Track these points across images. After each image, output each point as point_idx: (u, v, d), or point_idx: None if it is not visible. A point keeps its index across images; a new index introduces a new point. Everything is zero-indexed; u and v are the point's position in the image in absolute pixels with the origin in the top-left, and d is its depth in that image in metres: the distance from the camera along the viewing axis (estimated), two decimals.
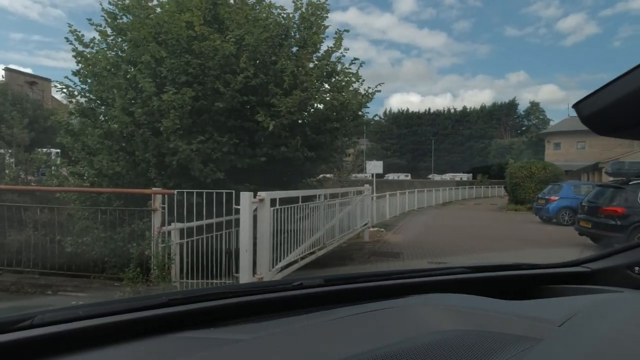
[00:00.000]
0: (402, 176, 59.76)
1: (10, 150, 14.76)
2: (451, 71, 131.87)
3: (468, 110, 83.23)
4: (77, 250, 6.40)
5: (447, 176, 60.20)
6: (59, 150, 15.75)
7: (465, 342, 0.78)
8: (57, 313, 0.88)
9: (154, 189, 5.38)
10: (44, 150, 14.26)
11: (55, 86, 7.29)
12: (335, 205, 8.47)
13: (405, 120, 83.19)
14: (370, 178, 18.47)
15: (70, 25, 7.20)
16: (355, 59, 7.50)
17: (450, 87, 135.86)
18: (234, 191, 5.33)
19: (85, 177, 6.79)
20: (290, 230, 6.15)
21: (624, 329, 0.83)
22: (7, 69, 53.16)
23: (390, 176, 54.04)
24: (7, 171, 12.19)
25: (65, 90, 7.10)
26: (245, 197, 5.15)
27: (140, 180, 6.50)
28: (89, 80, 6.86)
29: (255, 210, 5.31)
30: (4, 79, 48.13)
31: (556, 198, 16.96)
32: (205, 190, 5.41)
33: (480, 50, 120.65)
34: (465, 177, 56.26)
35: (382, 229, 14.63)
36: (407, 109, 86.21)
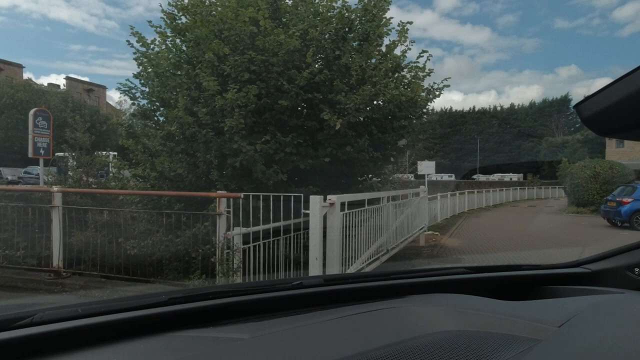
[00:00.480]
0: (445, 177, 57.68)
1: (72, 154, 15.34)
2: (496, 67, 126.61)
3: (516, 107, 79.34)
4: (139, 252, 6.34)
5: (496, 176, 57.47)
6: (115, 153, 16.30)
7: (464, 343, 0.77)
8: (57, 311, 0.87)
9: (218, 192, 5.13)
10: (104, 153, 14.74)
11: (119, 88, 7.33)
12: (396, 208, 8.00)
13: (448, 119, 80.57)
14: (412, 179, 17.65)
15: (132, 28, 7.21)
16: (424, 51, 6.94)
17: (495, 84, 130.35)
18: (302, 194, 5.00)
19: (146, 179, 6.71)
20: (356, 236, 5.75)
21: (624, 330, 0.81)
22: (67, 78, 57.17)
23: (433, 177, 52.31)
24: (70, 173, 12.65)
25: (128, 92, 7.09)
26: (316, 201, 4.79)
27: (200, 182, 6.32)
28: (150, 82, 6.79)
29: (324, 214, 4.95)
30: (65, 87, 51.69)
31: (629, 200, 15.46)
32: (272, 194, 5.10)
33: (527, 45, 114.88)
34: (515, 177, 53.49)
35: (437, 233, 13.94)
36: (450, 108, 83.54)
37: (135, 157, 7.19)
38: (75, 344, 0.81)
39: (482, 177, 57.15)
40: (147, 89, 6.94)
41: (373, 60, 6.72)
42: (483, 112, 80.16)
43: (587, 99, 0.76)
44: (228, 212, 4.97)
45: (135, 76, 7.34)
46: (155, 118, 6.77)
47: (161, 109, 6.96)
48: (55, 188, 5.30)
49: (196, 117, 5.76)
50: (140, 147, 7.01)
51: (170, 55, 6.38)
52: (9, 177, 26.96)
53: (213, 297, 1.03)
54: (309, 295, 1.15)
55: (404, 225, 8.93)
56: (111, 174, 12.64)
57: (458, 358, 0.72)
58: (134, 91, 7.13)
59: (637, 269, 1.31)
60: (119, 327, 0.88)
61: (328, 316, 0.99)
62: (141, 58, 7.14)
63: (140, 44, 7.11)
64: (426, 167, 17.89)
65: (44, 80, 47.64)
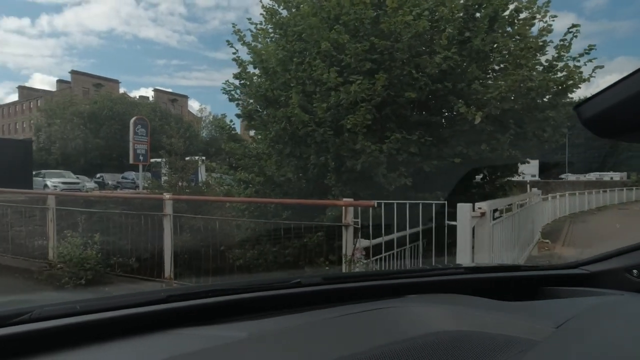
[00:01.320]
0: (527, 176, 52.54)
1: (164, 160, 15.92)
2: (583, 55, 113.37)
3: None
4: (244, 263, 5.96)
5: (592, 176, 51.22)
6: (204, 157, 16.76)
7: (462, 343, 0.77)
8: (55, 308, 0.87)
9: (345, 199, 4.45)
10: (195, 157, 15.16)
11: (224, 88, 7.04)
12: (524, 214, 6.83)
13: None
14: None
15: (234, 25, 6.93)
16: (574, 25, 5.66)
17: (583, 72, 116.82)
18: (446, 202, 4.16)
19: (251, 184, 6.31)
20: (499, 249, 4.79)
21: (622, 331, 0.80)
22: (155, 90, 62.26)
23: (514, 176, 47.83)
24: (164, 178, 13.00)
25: (233, 92, 6.77)
26: (464, 210, 3.91)
27: (309, 187, 5.73)
28: (256, 80, 6.39)
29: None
30: (153, 99, 56.26)
31: None
32: (408, 202, 4.32)
33: (620, 28, 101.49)
34: (617, 176, 47.16)
35: (547, 240, 12.23)
36: None
37: (238, 161, 6.84)
38: (73, 340, 0.80)
39: (571, 177, 51.21)
40: (246, 90, 6.56)
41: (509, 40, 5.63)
42: (571, 104, 72.36)
43: (586, 100, 0.75)
44: (356, 222, 4.31)
45: (236, 77, 7.05)
46: (261, 119, 6.31)
47: (264, 111, 6.50)
48: (167, 195, 5.05)
49: (312, 114, 5.17)
50: (241, 150, 6.64)
51: (278, 51, 5.87)
52: (110, 182, 29.47)
53: (211, 295, 1.03)
54: (308, 294, 1.15)
55: (527, 233, 7.70)
56: (204, 179, 12.78)
57: (455, 358, 0.71)
58: (242, 90, 6.79)
59: (635, 271, 1.29)
60: (117, 324, 0.86)
61: (326, 315, 0.98)
62: (240, 59, 6.81)
63: (242, 42, 6.77)
64: (530, 167, 15.94)
65: (135, 93, 53.17)
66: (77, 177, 25.53)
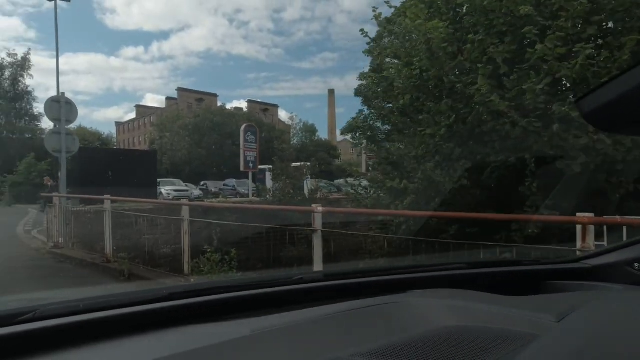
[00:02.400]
0: None
1: (268, 167, 15.68)
2: None
3: None
4: None
5: None
6: (308, 163, 16.33)
7: (463, 338, 0.77)
8: (58, 306, 0.88)
9: (583, 215, 3.08)
10: (300, 164, 14.75)
11: (358, 90, 6.18)
12: None
13: None
14: None
15: (374, 9, 6.06)
16: None
17: None
18: None
19: (404, 193, 5.25)
20: None
21: (623, 325, 0.79)
22: (248, 101, 65.61)
23: None
24: (271, 184, 12.58)
25: (377, 90, 5.83)
26: None
27: (483, 196, 4.47)
28: (403, 70, 5.36)
29: None
30: (247, 109, 59.31)
31: None
32: None
33: None
34: None
35: None
36: None
37: (377, 166, 5.85)
38: (77, 339, 0.80)
39: None
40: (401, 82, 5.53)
41: None
42: None
43: (587, 94, 0.75)
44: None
45: (374, 70, 6.13)
46: (417, 113, 5.22)
47: (425, 104, 5.34)
48: (319, 208, 4.22)
49: (510, 100, 3.92)
50: (385, 154, 5.62)
51: (441, 28, 4.74)
52: (213, 189, 31.00)
53: (214, 292, 1.03)
54: (311, 290, 1.15)
55: None
56: (309, 186, 12.11)
57: (457, 353, 0.71)
58: (371, 91, 5.86)
59: (637, 264, 1.28)
60: (120, 322, 0.87)
61: (329, 311, 0.98)
62: (376, 48, 5.84)
63: (382, 27, 5.79)
64: None
65: (230, 106, 57.15)
66: (186, 185, 27.15)
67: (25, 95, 35.44)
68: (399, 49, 5.65)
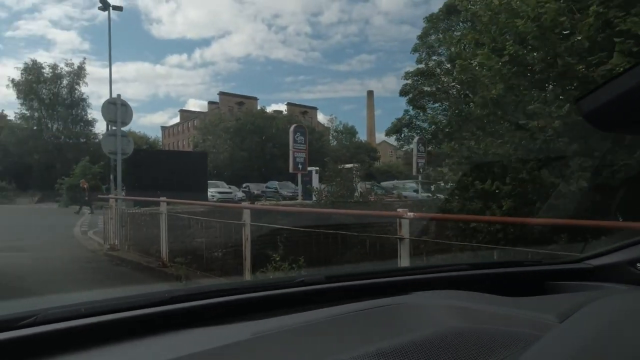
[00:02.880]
0: None
1: (315, 168, 15.21)
2: None
3: None
4: None
5: None
6: (358, 164, 15.77)
7: (467, 339, 0.77)
8: (60, 310, 0.88)
9: None
10: (349, 165, 14.23)
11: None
12: None
13: None
14: None
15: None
16: None
17: None
18: None
19: (494, 195, 4.55)
20: None
21: (626, 325, 0.78)
22: (288, 104, 66.04)
23: None
24: (318, 186, 12.10)
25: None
26: None
27: (606, 200, 3.70)
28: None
29: None
30: (286, 112, 59.66)
31: None
32: None
33: None
34: None
35: None
36: None
37: (457, 165, 5.18)
38: (79, 343, 0.81)
39: None
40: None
41: None
42: None
43: (587, 94, 0.76)
44: None
45: (452, 57, 5.45)
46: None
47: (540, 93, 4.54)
48: (410, 214, 3.62)
49: None
50: (466, 152, 4.94)
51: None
52: (255, 192, 31.10)
53: (215, 296, 1.03)
54: (312, 292, 1.14)
55: None
56: (358, 189, 11.52)
57: (460, 355, 0.71)
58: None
59: (639, 264, 1.26)
60: (121, 326, 0.88)
61: (331, 313, 0.98)
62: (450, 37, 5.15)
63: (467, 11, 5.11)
64: None
65: (268, 109, 57.88)
66: (230, 187, 27.36)
67: (80, 102, 37.31)
68: (481, 35, 4.96)
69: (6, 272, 6.32)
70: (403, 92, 28.07)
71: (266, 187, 30.87)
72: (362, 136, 59.76)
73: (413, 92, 27.42)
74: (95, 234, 11.39)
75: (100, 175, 26.39)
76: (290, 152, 12.77)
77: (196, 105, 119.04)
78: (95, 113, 39.84)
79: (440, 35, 26.24)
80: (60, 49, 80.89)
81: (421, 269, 1.46)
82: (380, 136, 59.25)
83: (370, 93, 78.68)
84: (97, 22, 77.67)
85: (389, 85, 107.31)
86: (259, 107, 57.00)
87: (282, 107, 63.35)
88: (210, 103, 65.23)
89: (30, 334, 0.78)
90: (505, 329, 0.80)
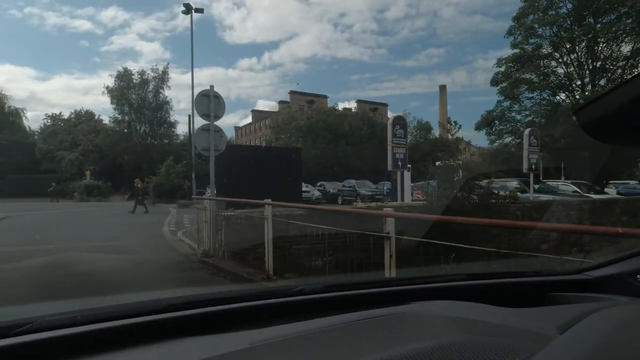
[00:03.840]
0: None
1: (409, 166, 13.64)
2: None
3: None
4: None
5: None
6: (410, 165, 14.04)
7: (466, 350, 0.77)
8: (56, 318, 0.88)
9: None
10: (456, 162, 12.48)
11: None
12: None
13: None
14: None
15: None
16: None
17: None
18: None
19: None
20: None
21: (626, 337, 0.79)
22: (357, 101, 64.74)
23: None
24: (427, 185, 10.50)
25: None
26: None
27: None
28: None
29: None
30: (356, 109, 58.39)
31: None
32: None
33: None
34: None
35: None
36: None
37: None
38: (74, 351, 0.80)
39: None
40: None
41: None
42: None
43: (586, 105, 0.76)
44: None
45: None
46: None
47: None
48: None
49: None
50: None
51: None
52: (330, 190, 30.07)
53: (213, 304, 1.03)
54: (310, 302, 1.13)
55: None
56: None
57: None
58: None
59: (639, 276, 1.26)
60: (118, 334, 0.87)
61: (330, 323, 0.97)
62: None
63: None
64: None
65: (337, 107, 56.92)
66: (307, 186, 26.58)
67: (164, 105, 39.25)
68: None
69: (109, 276, 6.01)
70: (494, 82, 25.26)
71: (343, 185, 29.60)
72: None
73: (507, 81, 24.52)
74: (184, 235, 10.94)
75: (183, 174, 27.13)
76: (389, 148, 11.26)
77: (265, 105, 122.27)
78: (177, 116, 41.82)
79: (541, 14, 23.13)
80: (145, 59, 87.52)
81: (420, 278, 1.41)
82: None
83: (442, 87, 74.59)
84: (177, 33, 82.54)
85: (458, 80, 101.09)
86: (329, 105, 56.27)
87: (350, 105, 62.14)
88: (281, 102, 65.99)
89: (26, 341, 0.78)
90: (505, 341, 0.80)
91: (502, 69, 24.64)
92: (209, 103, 8.26)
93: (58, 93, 75.30)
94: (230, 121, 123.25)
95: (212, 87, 8.42)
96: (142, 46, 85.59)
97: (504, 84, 24.52)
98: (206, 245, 7.81)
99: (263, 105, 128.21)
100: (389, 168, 11.55)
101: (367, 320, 0.97)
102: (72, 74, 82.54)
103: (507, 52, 24.60)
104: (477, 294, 1.24)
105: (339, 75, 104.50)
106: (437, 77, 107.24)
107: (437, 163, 11.70)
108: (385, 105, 68.09)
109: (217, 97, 8.47)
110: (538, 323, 0.90)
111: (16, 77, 70.57)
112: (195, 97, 8.25)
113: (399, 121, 11.68)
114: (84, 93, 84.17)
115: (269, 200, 6.04)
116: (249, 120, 71.09)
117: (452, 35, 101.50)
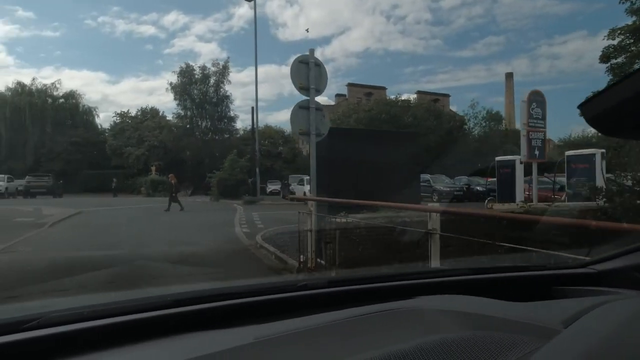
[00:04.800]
0: None
1: (602, 151, 11.06)
2: None
3: None
4: None
5: None
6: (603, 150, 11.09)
7: (470, 344, 0.77)
8: (62, 314, 0.88)
9: None
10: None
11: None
12: None
13: None
14: None
15: None
16: None
17: None
18: None
19: None
20: None
21: (630, 331, 0.78)
22: (418, 92, 61.00)
23: None
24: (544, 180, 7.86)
25: None
26: None
27: None
28: None
29: None
30: (415, 100, 54.95)
31: None
32: None
33: None
34: None
35: None
36: None
37: None
38: (80, 347, 0.80)
39: None
40: None
41: None
42: None
43: (591, 98, 0.75)
44: None
45: None
46: None
47: None
48: None
49: None
50: None
51: None
52: None
53: (218, 299, 1.03)
54: (315, 296, 1.14)
55: None
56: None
57: None
58: None
59: None
60: (123, 330, 0.87)
61: (334, 318, 0.97)
62: None
63: None
64: None
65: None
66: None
67: (224, 100, 38.64)
68: None
69: None
70: (604, 57, 21.28)
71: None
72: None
73: (622, 55, 20.49)
74: (264, 240, 9.18)
75: (247, 168, 25.93)
76: (524, 133, 8.66)
77: (320, 100, 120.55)
78: (236, 110, 41.16)
79: None
80: (204, 59, 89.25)
81: (425, 273, 1.42)
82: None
83: (509, 75, 68.56)
84: (232, 33, 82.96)
85: (519, 69, 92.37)
86: (388, 97, 53.27)
87: (409, 97, 58.46)
88: (338, 95, 63.85)
89: (33, 337, 0.78)
90: (510, 335, 0.80)
91: (615, 42, 20.63)
92: (308, 72, 6.27)
93: (127, 95, 78.78)
94: (283, 117, 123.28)
95: (312, 51, 6.43)
96: (201, 47, 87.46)
97: (618, 60, 20.51)
98: (310, 262, 5.84)
99: (318, 100, 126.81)
100: (524, 160, 8.94)
101: (372, 314, 0.97)
102: (138, 76, 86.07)
103: (605, 25, 20.51)
104: (482, 288, 1.23)
105: (392, 68, 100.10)
106: (495, 67, 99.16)
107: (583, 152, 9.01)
108: (447, 96, 63.68)
109: (319, 65, 6.46)
110: (543, 317, 0.89)
111: (91, 81, 74.58)
112: (291, 65, 6.27)
113: (537, 97, 8.96)
114: (149, 94, 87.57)
115: (434, 205, 3.89)
116: None
117: (513, 22, 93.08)
